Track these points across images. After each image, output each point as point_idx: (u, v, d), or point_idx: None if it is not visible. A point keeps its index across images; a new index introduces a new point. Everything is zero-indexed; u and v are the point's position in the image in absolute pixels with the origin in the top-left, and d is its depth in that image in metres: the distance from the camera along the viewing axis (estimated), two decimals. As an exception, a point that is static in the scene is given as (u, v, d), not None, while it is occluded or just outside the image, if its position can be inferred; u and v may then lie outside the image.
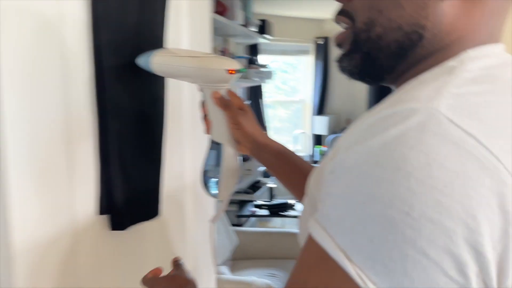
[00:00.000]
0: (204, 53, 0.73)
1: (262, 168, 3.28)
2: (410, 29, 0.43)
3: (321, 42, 4.70)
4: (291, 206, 3.31)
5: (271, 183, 3.59)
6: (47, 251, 0.63)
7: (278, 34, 3.96)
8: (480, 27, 0.43)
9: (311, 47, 4.78)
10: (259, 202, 3.33)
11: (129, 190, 0.77)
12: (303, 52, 4.80)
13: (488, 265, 0.32)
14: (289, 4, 3.77)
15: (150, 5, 0.80)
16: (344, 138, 0.42)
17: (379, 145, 0.35)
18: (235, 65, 0.70)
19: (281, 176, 0.80)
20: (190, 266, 1.07)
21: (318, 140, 4.79)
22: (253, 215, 3.23)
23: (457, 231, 0.32)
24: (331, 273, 0.35)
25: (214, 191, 0.76)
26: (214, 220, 0.80)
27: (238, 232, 2.65)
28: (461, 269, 0.32)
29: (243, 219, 3.15)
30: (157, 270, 0.73)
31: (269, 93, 4.64)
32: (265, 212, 3.25)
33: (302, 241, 0.51)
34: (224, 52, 2.91)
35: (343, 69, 0.51)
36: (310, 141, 4.84)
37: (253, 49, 3.86)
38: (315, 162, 4.59)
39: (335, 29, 0.52)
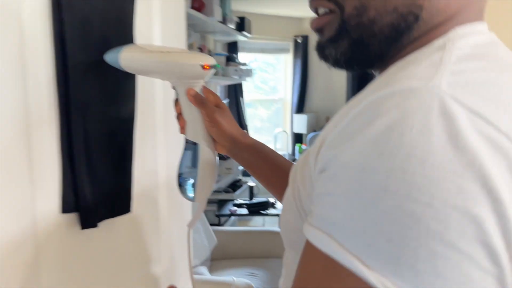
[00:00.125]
0: (177, 49, 0.69)
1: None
2: (406, 10, 0.40)
3: (300, 40, 4.70)
4: (271, 205, 3.29)
5: (251, 181, 3.56)
6: (7, 254, 0.59)
7: (257, 32, 3.94)
8: (471, 5, 0.41)
9: (290, 45, 4.77)
10: (239, 201, 3.29)
11: (97, 186, 0.73)
12: (282, 50, 4.79)
13: None
14: (268, 2, 3.75)
15: None
16: (329, 130, 0.38)
17: (379, 132, 0.31)
18: (210, 60, 0.66)
19: (260, 176, 0.76)
20: (165, 267, 1.03)
21: (298, 138, 4.79)
22: (233, 214, 3.19)
23: (485, 217, 0.29)
24: (344, 283, 0.31)
25: (191, 193, 0.72)
26: (191, 224, 0.76)
27: (217, 232, 2.61)
28: (495, 259, 0.29)
29: (223, 218, 3.11)
30: None
31: (250, 92, 4.61)
32: (245, 211, 3.22)
33: (285, 235, 0.48)
34: (202, 49, 2.87)
35: (326, 57, 0.46)
36: (290, 139, 4.83)
37: (232, 47, 3.83)
38: (296, 160, 4.57)
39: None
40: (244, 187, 3.42)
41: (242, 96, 4.16)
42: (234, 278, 2.08)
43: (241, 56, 4.02)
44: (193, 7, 2.46)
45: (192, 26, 2.74)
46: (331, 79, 4.72)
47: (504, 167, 0.30)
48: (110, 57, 0.70)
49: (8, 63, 0.58)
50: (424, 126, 0.30)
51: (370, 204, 0.30)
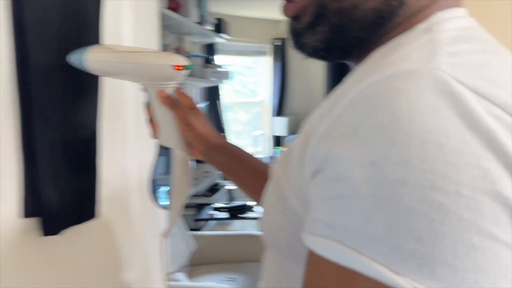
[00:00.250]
0: (147, 49, 0.67)
1: (221, 170, 3.21)
2: None
3: (278, 43, 4.69)
4: (250, 208, 3.25)
5: (229, 185, 3.52)
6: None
7: (235, 34, 3.91)
8: None
9: (269, 48, 4.76)
10: (218, 205, 3.25)
11: (60, 190, 0.69)
12: (261, 53, 4.78)
13: None
14: (246, 4, 3.73)
15: None
16: (314, 123, 0.35)
17: (385, 120, 0.28)
18: (182, 60, 0.63)
19: (238, 180, 0.73)
20: (137, 274, 0.99)
21: (278, 141, 4.77)
22: (212, 218, 3.15)
23: None
24: None
25: (164, 202, 0.69)
26: (166, 234, 0.73)
27: (195, 237, 2.56)
28: None
29: (202, 223, 3.06)
30: None
31: (229, 96, 4.58)
32: (224, 215, 3.17)
33: (268, 237, 0.46)
34: (178, 50, 2.82)
35: (304, 46, 0.43)
36: (270, 142, 4.82)
37: (210, 49, 3.79)
38: (275, 163, 4.56)
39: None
40: (222, 190, 3.38)
41: (219, 99, 4.13)
42: (213, 284, 2.04)
43: (219, 59, 3.99)
44: (169, 8, 2.41)
45: (168, 27, 2.69)
46: (310, 81, 4.73)
47: None
48: (74, 58, 0.65)
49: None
50: (434, 109, 0.28)
51: (390, 201, 0.27)
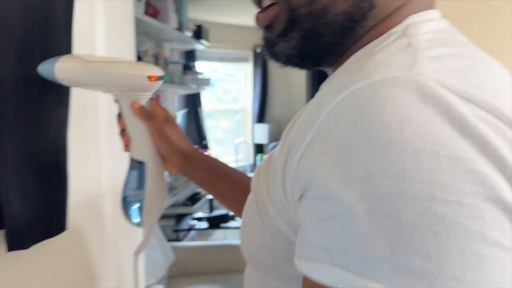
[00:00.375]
0: (120, 59, 0.63)
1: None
2: None
3: (259, 50, 4.68)
4: (232, 218, 3.20)
5: (211, 194, 3.46)
6: None
7: (215, 40, 3.88)
8: None
9: (250, 54, 4.74)
10: (199, 215, 3.18)
11: (26, 203, 0.66)
12: (242, 59, 4.76)
13: None
14: (226, 11, 3.70)
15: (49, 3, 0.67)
16: (296, 135, 0.34)
17: (374, 131, 0.27)
18: (157, 71, 0.61)
19: (216, 192, 0.71)
20: (111, 286, 0.93)
21: (259, 148, 4.74)
22: (192, 228, 3.08)
23: None
24: None
25: (136, 218, 0.66)
26: (137, 252, 0.70)
27: (174, 248, 2.49)
28: None
29: (182, 233, 2.99)
30: None
31: (210, 103, 4.54)
32: (205, 224, 3.11)
33: (248, 253, 0.44)
34: (157, 57, 2.77)
35: (278, 55, 0.43)
36: (251, 150, 4.78)
37: (190, 55, 3.73)
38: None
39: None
40: (203, 200, 3.32)
41: (200, 106, 4.08)
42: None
43: (200, 65, 3.95)
44: (147, 13, 2.36)
45: (146, 33, 2.63)
46: (291, 88, 4.73)
47: (510, 150, 0.27)
48: (44, 69, 0.62)
49: None
50: (422, 117, 0.27)
51: (390, 217, 0.26)
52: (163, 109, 0.69)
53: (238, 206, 0.66)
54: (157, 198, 0.67)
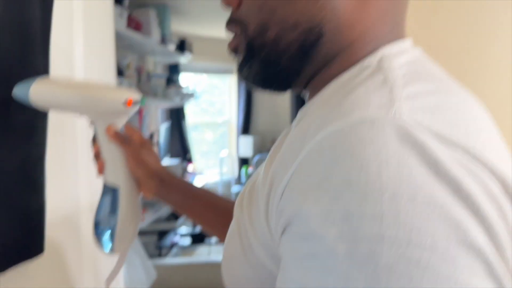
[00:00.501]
0: (97, 83, 0.62)
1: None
2: (307, 26, 0.39)
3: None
4: (216, 232, 3.16)
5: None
6: None
7: (199, 53, 3.86)
8: (379, 23, 0.39)
9: (234, 67, 4.73)
10: (182, 231, 3.13)
11: (1, 226, 0.64)
12: (226, 71, 4.75)
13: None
14: (208, 25, 3.69)
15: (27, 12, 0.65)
16: (278, 168, 0.35)
17: (353, 173, 0.28)
18: (134, 95, 0.59)
19: (194, 216, 0.70)
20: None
21: (244, 160, 4.71)
22: (175, 244, 3.02)
23: (487, 249, 0.27)
24: None
25: (108, 245, 0.64)
26: (109, 280, 0.68)
27: (157, 265, 2.43)
28: (496, 277, 0.27)
29: (165, 250, 2.93)
30: None
31: (195, 115, 4.51)
32: (188, 240, 3.06)
33: (229, 283, 0.45)
34: (139, 70, 2.73)
35: (245, 79, 0.45)
36: (236, 163, 4.75)
37: (173, 69, 3.71)
38: (242, 184, 4.50)
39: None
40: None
41: (184, 119, 4.04)
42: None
43: (185, 77, 3.92)
44: (129, 27, 2.33)
45: (129, 47, 2.60)
46: (275, 100, 4.73)
47: (486, 194, 0.28)
48: (18, 93, 0.60)
49: None
50: (399, 159, 0.27)
51: (368, 260, 0.26)
52: (139, 133, 0.68)
53: (215, 227, 0.66)
54: (131, 224, 0.65)
